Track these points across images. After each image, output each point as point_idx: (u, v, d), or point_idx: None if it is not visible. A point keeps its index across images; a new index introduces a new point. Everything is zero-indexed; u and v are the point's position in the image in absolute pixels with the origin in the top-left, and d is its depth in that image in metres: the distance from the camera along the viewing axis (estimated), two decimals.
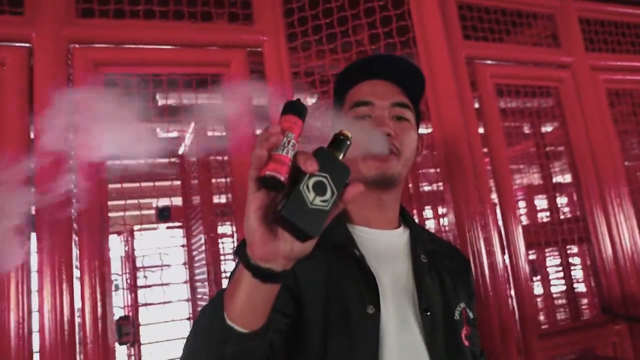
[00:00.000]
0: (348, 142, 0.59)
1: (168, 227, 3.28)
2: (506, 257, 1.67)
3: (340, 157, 0.58)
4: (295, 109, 0.55)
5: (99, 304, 1.27)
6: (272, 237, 0.53)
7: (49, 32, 1.36)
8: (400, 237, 0.93)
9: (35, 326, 1.23)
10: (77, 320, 1.26)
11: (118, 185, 1.53)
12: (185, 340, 0.65)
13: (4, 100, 1.31)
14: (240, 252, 0.56)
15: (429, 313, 0.83)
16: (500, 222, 1.72)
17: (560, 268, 2.18)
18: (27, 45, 1.35)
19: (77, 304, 1.27)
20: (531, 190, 2.72)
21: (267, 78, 1.54)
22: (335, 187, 0.54)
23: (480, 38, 1.91)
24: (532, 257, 2.05)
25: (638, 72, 2.25)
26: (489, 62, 1.88)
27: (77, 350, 1.25)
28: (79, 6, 1.44)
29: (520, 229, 1.73)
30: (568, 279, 2.14)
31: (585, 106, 2.02)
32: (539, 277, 2.20)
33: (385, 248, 0.89)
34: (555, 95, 2.07)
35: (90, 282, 1.28)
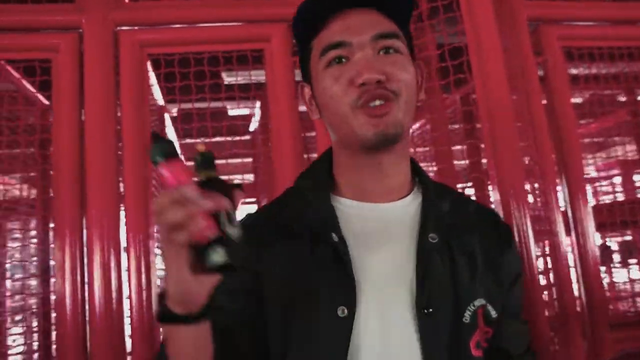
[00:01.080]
0: (211, 156, 0.54)
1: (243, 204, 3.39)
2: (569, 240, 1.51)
3: (215, 173, 0.54)
4: (172, 150, 0.49)
5: (143, 275, 1.33)
6: (201, 282, 0.53)
7: (96, 17, 1.42)
8: (406, 208, 0.74)
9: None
10: (125, 290, 1.33)
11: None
12: None
13: (59, 84, 1.39)
14: (168, 313, 0.54)
15: (430, 310, 0.65)
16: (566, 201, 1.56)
17: None
18: (78, 31, 1.42)
19: (125, 276, 1.34)
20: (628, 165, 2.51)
21: None
22: (234, 207, 0.52)
23: None
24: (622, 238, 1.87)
25: None
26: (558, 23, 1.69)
27: (125, 320, 1.32)
28: None
29: (589, 208, 1.55)
30: None
31: None
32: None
33: (381, 227, 0.72)
34: None
35: (135, 254, 1.34)
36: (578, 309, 1.47)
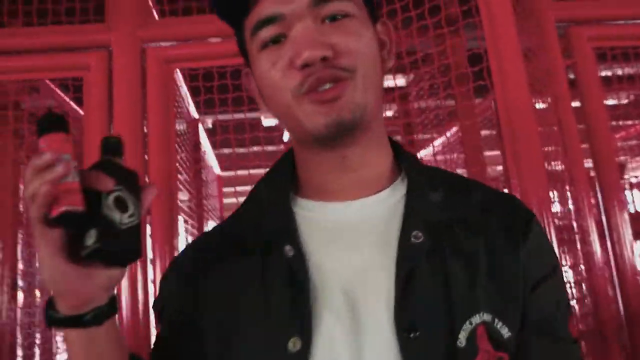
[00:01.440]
0: (115, 142, 0.51)
1: None
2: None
3: (121, 161, 0.50)
4: (57, 124, 0.47)
5: None
6: (86, 274, 0.46)
7: (125, 35, 1.48)
8: (382, 204, 0.58)
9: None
10: (151, 299, 1.36)
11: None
12: None
13: (90, 100, 1.45)
14: (53, 314, 0.47)
15: (416, 334, 0.49)
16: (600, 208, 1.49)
17: None
18: (108, 49, 1.48)
19: (151, 288, 1.37)
20: None
21: None
22: (134, 197, 0.48)
23: None
24: None
25: None
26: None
27: (152, 330, 1.35)
28: (151, 8, 1.55)
29: (626, 215, 1.48)
30: None
31: None
32: None
33: (350, 230, 0.57)
34: None
35: (161, 266, 1.37)
36: (615, 322, 1.39)
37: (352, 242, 0.56)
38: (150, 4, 1.59)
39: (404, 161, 0.63)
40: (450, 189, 0.61)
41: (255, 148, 1.88)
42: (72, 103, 1.85)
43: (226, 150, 2.96)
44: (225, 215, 3.05)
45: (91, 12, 1.53)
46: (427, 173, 0.63)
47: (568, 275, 1.32)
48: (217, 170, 3.03)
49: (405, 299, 0.51)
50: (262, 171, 0.71)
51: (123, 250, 0.47)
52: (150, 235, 1.38)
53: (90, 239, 0.44)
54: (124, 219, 0.46)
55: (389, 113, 2.63)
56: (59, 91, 1.82)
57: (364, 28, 0.56)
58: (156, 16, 1.64)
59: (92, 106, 1.44)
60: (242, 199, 0.69)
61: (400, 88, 2.05)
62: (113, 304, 0.51)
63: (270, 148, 1.92)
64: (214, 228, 0.70)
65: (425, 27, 1.41)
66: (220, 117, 2.61)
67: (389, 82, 1.79)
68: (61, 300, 0.47)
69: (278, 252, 0.55)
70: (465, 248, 0.55)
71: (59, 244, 0.45)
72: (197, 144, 2.38)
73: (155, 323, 0.63)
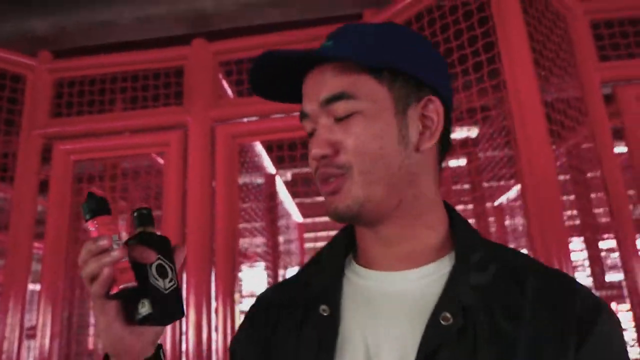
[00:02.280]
0: (147, 213, 0.57)
1: None
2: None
3: (154, 229, 0.57)
4: (103, 206, 0.53)
5: (229, 333, 1.55)
6: (138, 333, 0.54)
7: (198, 116, 1.75)
8: (425, 279, 0.58)
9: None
10: (214, 345, 1.56)
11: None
12: None
13: (169, 172, 1.74)
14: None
15: None
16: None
17: None
18: (184, 128, 1.77)
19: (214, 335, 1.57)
20: None
21: None
22: (170, 262, 0.55)
23: (623, 56, 1.67)
24: None
25: None
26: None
27: None
28: (224, 89, 1.83)
29: None
30: None
31: None
32: None
33: (387, 299, 0.57)
34: None
35: (223, 313, 1.57)
36: None
37: (386, 311, 0.56)
38: (226, 84, 1.87)
39: (457, 233, 0.61)
40: (502, 270, 0.57)
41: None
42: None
43: (307, 200, 3.21)
44: (304, 259, 3.25)
45: (172, 96, 1.83)
46: (481, 249, 0.59)
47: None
48: (298, 218, 3.26)
49: None
50: None
51: (171, 313, 0.55)
52: (215, 287, 1.60)
53: (144, 307, 0.52)
54: (166, 285, 0.54)
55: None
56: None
57: (372, 122, 0.56)
58: (230, 94, 1.91)
59: (170, 177, 1.72)
60: (321, 243, 0.73)
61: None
62: (158, 353, 0.59)
63: None
64: (273, 286, 0.75)
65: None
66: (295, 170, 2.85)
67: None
68: (116, 359, 0.55)
69: (316, 310, 0.58)
70: (503, 333, 0.51)
71: (115, 313, 0.52)
72: (273, 195, 2.62)
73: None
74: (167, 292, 0.54)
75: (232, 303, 1.58)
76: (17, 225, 1.72)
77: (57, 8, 1.84)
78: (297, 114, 0.63)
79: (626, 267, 1.44)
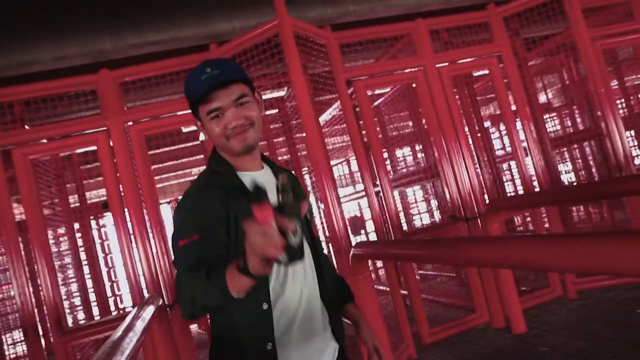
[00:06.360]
0: (286, 184, 0.82)
1: None
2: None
3: (289, 196, 0.81)
4: (265, 197, 0.79)
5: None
6: (268, 263, 0.85)
7: (116, 120, 2.76)
8: (265, 174, 1.23)
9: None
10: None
11: None
12: (184, 282, 0.99)
13: (103, 159, 2.75)
14: (246, 270, 0.85)
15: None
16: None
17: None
18: (106, 129, 2.76)
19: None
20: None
21: None
22: (298, 219, 0.80)
23: (359, 62, 3.10)
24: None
25: None
26: None
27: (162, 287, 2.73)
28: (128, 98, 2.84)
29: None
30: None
31: None
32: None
33: (258, 179, 1.02)
34: None
35: (158, 243, 2.73)
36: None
37: (260, 182, 0.94)
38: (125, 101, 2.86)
39: (265, 160, 1.29)
40: (284, 171, 1.26)
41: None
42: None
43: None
44: None
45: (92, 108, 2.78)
46: (275, 165, 1.30)
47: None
48: None
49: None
50: None
51: (298, 259, 0.80)
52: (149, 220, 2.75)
53: (283, 258, 0.77)
54: (297, 240, 0.78)
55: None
56: None
57: (254, 105, 1.17)
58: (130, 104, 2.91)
59: (104, 161, 2.74)
60: None
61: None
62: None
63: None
64: (205, 177, 1.21)
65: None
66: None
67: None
68: (252, 268, 0.85)
69: (242, 191, 1.13)
70: (298, 194, 0.96)
71: (265, 262, 0.83)
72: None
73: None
74: (297, 246, 0.79)
75: (161, 232, 2.76)
76: None
77: None
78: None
79: None
